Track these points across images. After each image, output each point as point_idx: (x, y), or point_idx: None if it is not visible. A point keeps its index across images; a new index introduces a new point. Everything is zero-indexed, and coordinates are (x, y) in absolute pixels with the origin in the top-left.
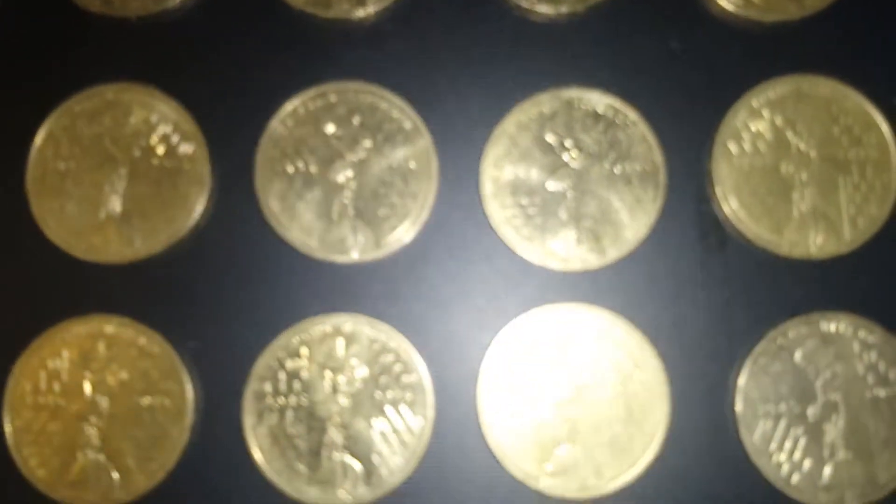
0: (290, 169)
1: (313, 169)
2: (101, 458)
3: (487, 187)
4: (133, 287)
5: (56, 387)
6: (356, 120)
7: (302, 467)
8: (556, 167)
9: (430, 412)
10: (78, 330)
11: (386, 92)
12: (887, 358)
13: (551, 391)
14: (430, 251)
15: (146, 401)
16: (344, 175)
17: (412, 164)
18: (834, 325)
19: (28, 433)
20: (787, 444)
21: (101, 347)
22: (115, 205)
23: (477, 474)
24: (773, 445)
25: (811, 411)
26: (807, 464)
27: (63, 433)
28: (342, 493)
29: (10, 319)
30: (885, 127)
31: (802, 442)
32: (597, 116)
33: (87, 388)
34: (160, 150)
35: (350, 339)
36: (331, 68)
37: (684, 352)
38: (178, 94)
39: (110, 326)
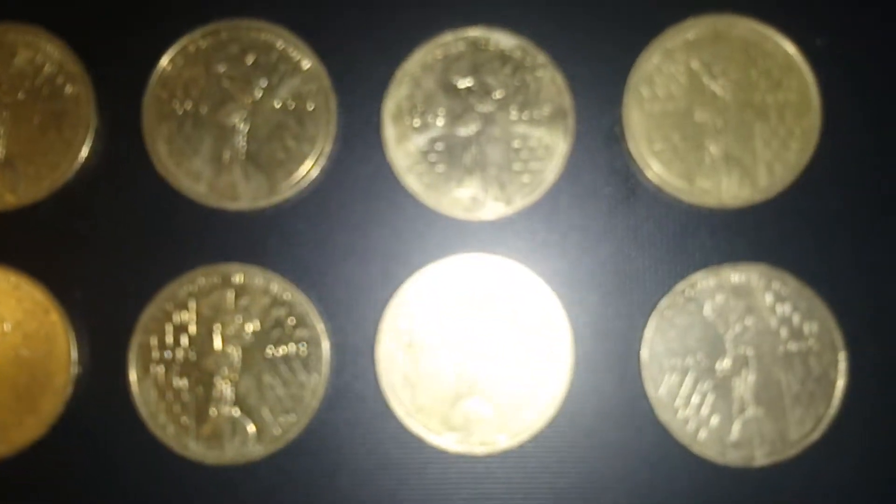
0: (179, 111)
1: (203, 111)
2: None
3: (389, 132)
4: (16, 235)
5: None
6: (250, 59)
7: (188, 422)
8: (461, 111)
9: (326, 367)
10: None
11: (282, 30)
12: (801, 311)
13: (455, 344)
14: (329, 198)
15: (26, 352)
16: (236, 117)
17: (309, 106)
18: (745, 276)
19: None
20: (695, 399)
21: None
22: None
23: (374, 431)
24: (680, 400)
25: (720, 366)
26: (715, 420)
27: None
28: (230, 450)
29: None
30: (806, 69)
31: (711, 397)
32: (504, 58)
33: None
34: (45, 91)
35: (240, 291)
36: (223, 5)
37: (591, 303)
38: (64, 34)
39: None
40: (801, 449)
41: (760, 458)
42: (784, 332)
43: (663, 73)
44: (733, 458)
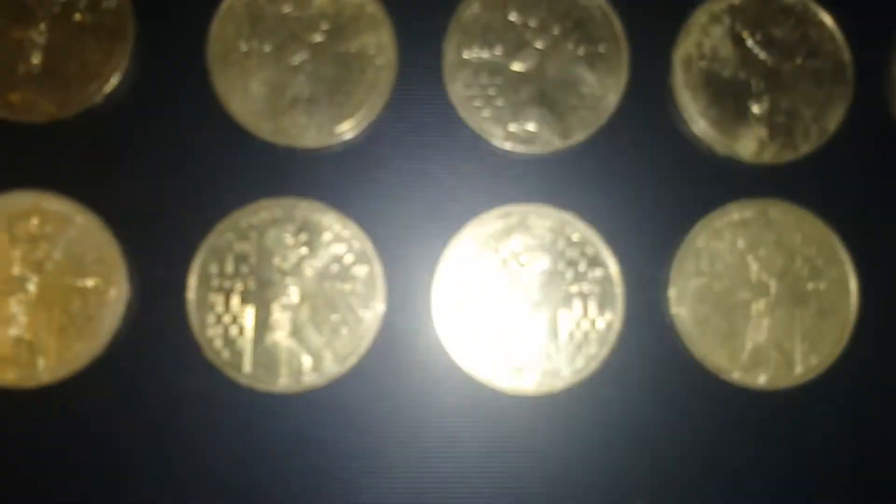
0: (473, 56)
1: (497, 55)
2: (293, 343)
3: (679, 77)
4: (323, 171)
5: (244, 269)
6: (543, 6)
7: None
8: (746, 61)
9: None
10: (266, 213)
11: None
12: None
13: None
14: (615, 144)
15: (339, 286)
16: (528, 63)
17: (601, 49)
18: None
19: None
20: None
21: (290, 230)
22: (303, 88)
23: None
24: None
25: None
26: None
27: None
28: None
29: (195, 201)
30: None
31: None
32: (787, 11)
33: (281, 271)
34: (346, 33)
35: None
36: None
37: (872, 246)
38: None
39: (300, 210)
40: None
41: None
42: None
43: None
44: None
